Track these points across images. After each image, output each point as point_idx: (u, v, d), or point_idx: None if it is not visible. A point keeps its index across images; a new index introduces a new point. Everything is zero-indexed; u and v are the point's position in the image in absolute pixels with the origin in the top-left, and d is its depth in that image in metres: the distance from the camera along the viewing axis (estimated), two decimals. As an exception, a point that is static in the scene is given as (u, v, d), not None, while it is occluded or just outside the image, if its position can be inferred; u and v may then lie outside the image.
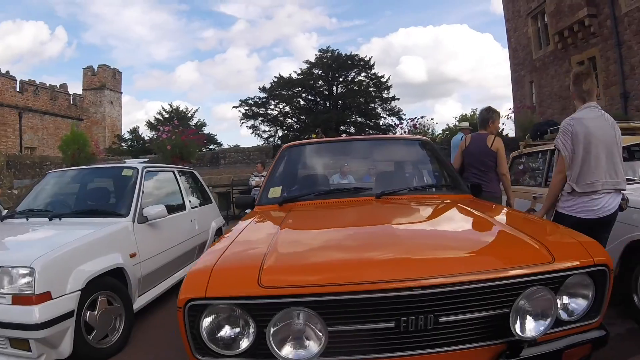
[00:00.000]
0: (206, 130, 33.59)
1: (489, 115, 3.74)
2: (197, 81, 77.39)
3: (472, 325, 1.38)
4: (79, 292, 2.64)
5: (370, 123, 31.35)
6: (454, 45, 77.21)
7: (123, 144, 32.29)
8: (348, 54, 30.94)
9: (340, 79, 31.44)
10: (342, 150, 3.44)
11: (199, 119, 34.26)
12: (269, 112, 31.64)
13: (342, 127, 30.70)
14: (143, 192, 3.71)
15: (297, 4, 65.47)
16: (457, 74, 70.65)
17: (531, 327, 1.37)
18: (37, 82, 29.16)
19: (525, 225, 1.84)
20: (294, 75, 30.94)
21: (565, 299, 1.48)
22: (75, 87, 32.20)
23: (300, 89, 31.12)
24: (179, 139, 10.95)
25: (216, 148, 25.64)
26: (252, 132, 31.73)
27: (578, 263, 1.45)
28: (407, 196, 2.49)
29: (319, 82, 31.38)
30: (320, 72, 30.85)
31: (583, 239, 1.60)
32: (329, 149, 3.38)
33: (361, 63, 30.78)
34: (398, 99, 31.90)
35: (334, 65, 30.35)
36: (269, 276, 1.36)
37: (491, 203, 2.50)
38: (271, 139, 30.89)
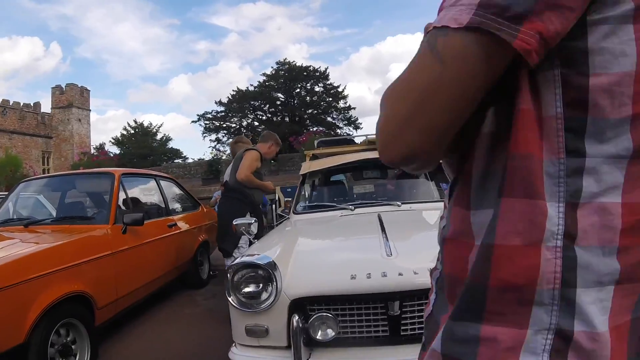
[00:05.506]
0: (171, 144, 34.66)
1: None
2: (190, 93, 78.46)
3: None
4: None
5: (331, 133, 32.27)
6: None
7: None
8: (301, 65, 32.23)
9: (297, 91, 32.66)
10: (54, 185, 4.19)
11: (165, 134, 35.31)
12: (230, 125, 32.68)
13: (298, 138, 31.56)
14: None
15: (287, 16, 66.56)
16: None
17: None
18: (12, 102, 30.23)
19: None
20: (251, 88, 32.20)
21: None
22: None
23: (257, 102, 32.18)
24: (90, 160, 12.53)
25: (165, 164, 26.01)
26: (211, 147, 31.57)
27: None
28: (49, 226, 3.16)
29: (276, 94, 32.57)
30: (276, 84, 32.00)
31: None
32: (45, 183, 4.26)
33: (316, 74, 32.05)
34: (354, 108, 33.32)
35: (289, 76, 31.56)
36: None
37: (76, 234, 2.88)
38: (235, 152, 31.33)
